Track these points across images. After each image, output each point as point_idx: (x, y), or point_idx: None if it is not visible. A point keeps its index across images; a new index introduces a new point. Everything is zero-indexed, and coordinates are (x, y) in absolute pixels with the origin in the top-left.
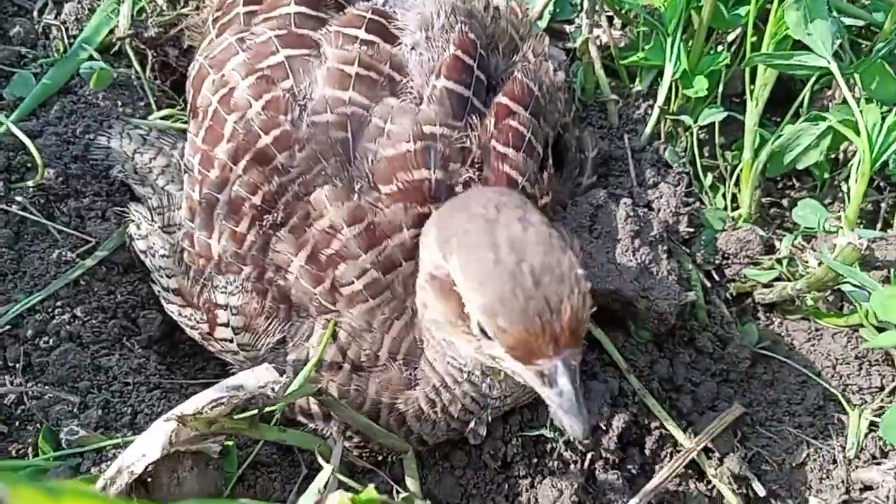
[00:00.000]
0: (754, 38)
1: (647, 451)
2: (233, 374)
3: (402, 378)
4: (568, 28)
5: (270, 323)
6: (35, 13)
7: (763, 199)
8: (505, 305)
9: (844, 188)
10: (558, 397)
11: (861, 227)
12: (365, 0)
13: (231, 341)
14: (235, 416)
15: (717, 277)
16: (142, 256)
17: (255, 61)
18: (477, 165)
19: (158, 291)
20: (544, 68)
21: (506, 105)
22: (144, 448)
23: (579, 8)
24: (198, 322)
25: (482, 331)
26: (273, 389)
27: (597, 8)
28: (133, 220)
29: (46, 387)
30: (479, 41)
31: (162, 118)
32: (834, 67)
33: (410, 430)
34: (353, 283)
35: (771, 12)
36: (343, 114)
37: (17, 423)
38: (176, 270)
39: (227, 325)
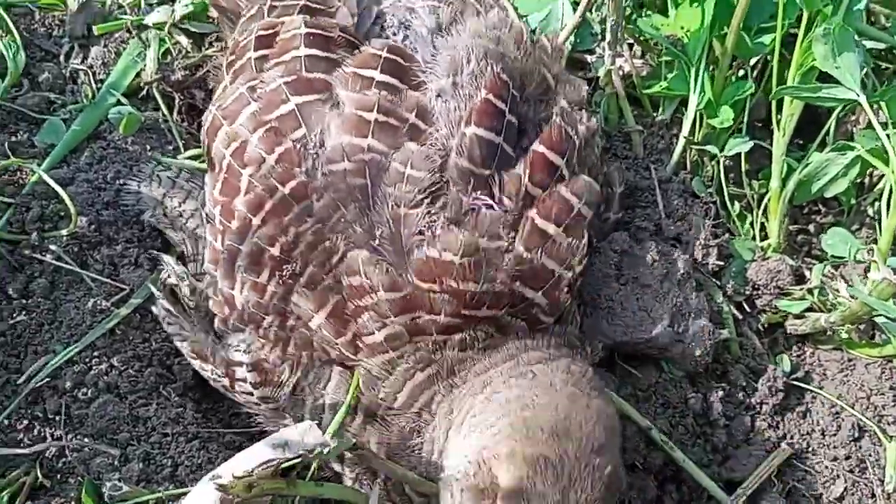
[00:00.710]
0: (778, 66)
1: (684, 489)
2: (260, 423)
3: (408, 428)
4: (589, 58)
5: (291, 372)
6: (62, 57)
7: (790, 227)
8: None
9: (870, 212)
10: None
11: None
12: (379, 38)
13: (251, 394)
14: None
15: (747, 309)
16: (162, 323)
17: (265, 113)
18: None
19: (181, 347)
20: (580, 115)
21: (542, 154)
22: None
23: (600, 37)
24: (219, 377)
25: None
26: (322, 451)
27: (619, 38)
28: (163, 269)
29: (86, 439)
30: (512, 82)
31: (190, 159)
32: (863, 99)
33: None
34: (374, 333)
35: (797, 44)
36: (361, 160)
37: (58, 477)
38: (187, 333)
39: (244, 380)
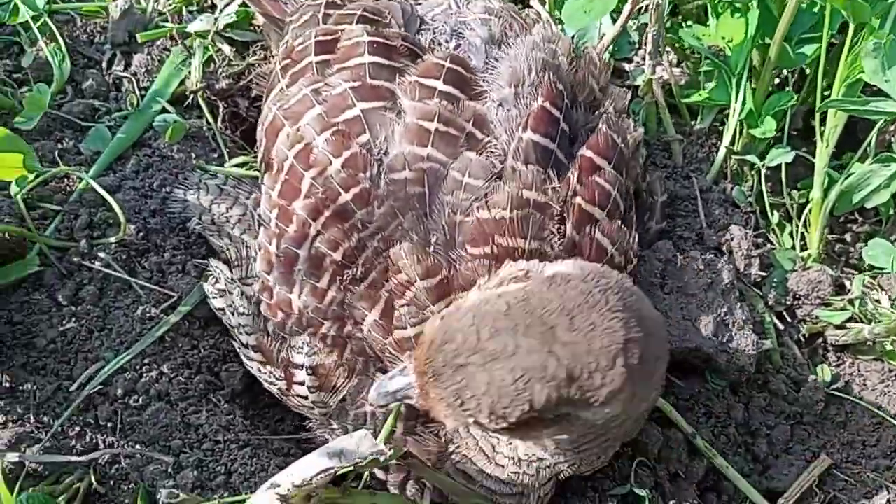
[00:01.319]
0: (817, 75)
1: (724, 498)
2: (307, 429)
3: (438, 447)
4: (627, 66)
5: (347, 377)
6: (104, 64)
7: (828, 236)
8: (461, 324)
9: None
10: (385, 379)
11: None
12: (441, 45)
13: (306, 398)
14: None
15: (788, 319)
16: (219, 314)
17: (331, 115)
18: (556, 218)
19: (239, 348)
20: (627, 123)
21: (590, 158)
22: None
23: (637, 46)
24: (276, 379)
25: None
26: (378, 459)
27: (659, 48)
28: (212, 275)
29: (138, 445)
30: (566, 92)
31: (236, 166)
32: None
33: (483, 486)
34: (406, 328)
35: (842, 56)
36: (420, 169)
37: (111, 483)
38: (254, 328)
39: (302, 383)
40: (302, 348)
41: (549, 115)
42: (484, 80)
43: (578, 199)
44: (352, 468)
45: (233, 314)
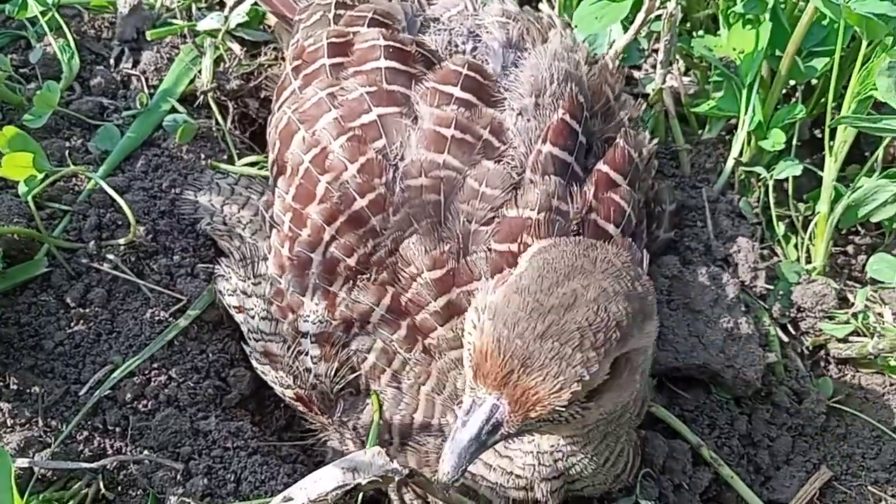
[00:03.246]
0: (824, 88)
1: None
2: (312, 436)
3: (437, 449)
4: (636, 73)
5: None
6: (112, 61)
7: (832, 248)
8: (501, 314)
9: None
10: (458, 430)
11: None
12: (461, 53)
13: (315, 387)
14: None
15: (792, 331)
16: (232, 312)
17: (347, 120)
18: (573, 233)
19: (250, 352)
20: (643, 136)
21: (606, 174)
22: None
23: (647, 53)
24: (288, 385)
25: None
26: (394, 476)
27: (671, 58)
28: (222, 275)
29: (145, 451)
30: (585, 104)
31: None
32: None
33: (487, 481)
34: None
35: (853, 73)
36: (437, 177)
37: (119, 489)
38: (270, 335)
39: (306, 353)
40: (308, 317)
41: (568, 129)
42: (503, 88)
43: (594, 216)
44: (367, 483)
45: (251, 318)
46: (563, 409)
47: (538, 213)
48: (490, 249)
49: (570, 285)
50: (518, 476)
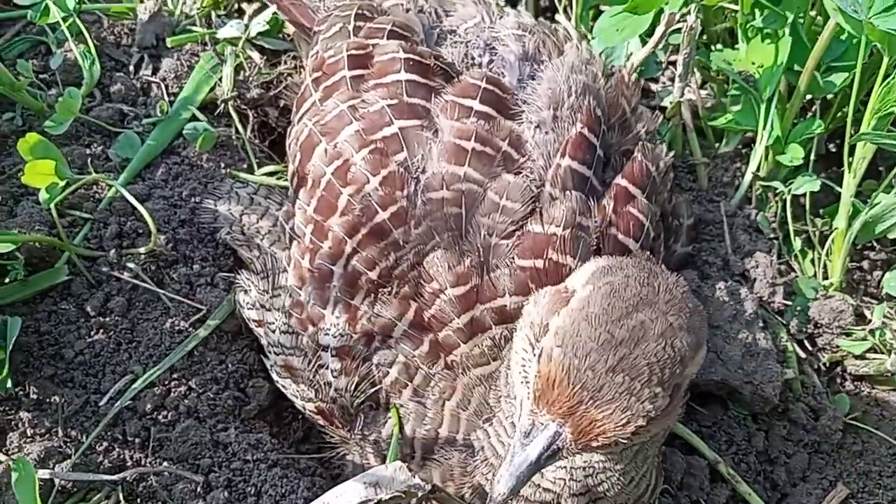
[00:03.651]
0: (843, 102)
1: None
2: (330, 448)
3: (461, 464)
4: (653, 86)
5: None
6: (131, 68)
7: (848, 264)
8: (571, 343)
9: None
10: (517, 453)
11: None
12: (477, 66)
13: (335, 401)
14: None
15: (809, 347)
16: (252, 325)
17: (369, 132)
18: (593, 248)
19: (270, 365)
20: (660, 149)
21: (625, 188)
22: None
23: (664, 66)
24: (309, 399)
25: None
26: (417, 492)
27: (690, 71)
28: (242, 288)
29: (165, 463)
30: (603, 117)
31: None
32: None
33: None
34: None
35: (874, 89)
36: (458, 190)
37: (138, 501)
38: (291, 349)
39: (326, 366)
40: (329, 330)
41: (587, 142)
42: (521, 101)
43: (614, 230)
44: (389, 499)
45: (271, 332)
46: (627, 440)
47: (563, 229)
48: (514, 265)
49: (639, 317)
50: (547, 490)
